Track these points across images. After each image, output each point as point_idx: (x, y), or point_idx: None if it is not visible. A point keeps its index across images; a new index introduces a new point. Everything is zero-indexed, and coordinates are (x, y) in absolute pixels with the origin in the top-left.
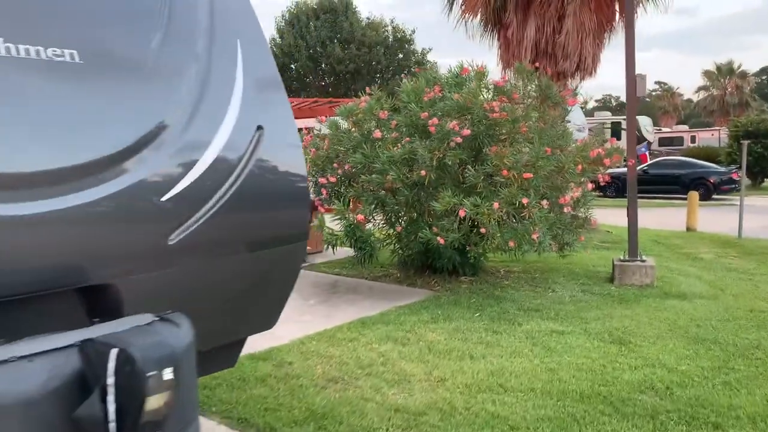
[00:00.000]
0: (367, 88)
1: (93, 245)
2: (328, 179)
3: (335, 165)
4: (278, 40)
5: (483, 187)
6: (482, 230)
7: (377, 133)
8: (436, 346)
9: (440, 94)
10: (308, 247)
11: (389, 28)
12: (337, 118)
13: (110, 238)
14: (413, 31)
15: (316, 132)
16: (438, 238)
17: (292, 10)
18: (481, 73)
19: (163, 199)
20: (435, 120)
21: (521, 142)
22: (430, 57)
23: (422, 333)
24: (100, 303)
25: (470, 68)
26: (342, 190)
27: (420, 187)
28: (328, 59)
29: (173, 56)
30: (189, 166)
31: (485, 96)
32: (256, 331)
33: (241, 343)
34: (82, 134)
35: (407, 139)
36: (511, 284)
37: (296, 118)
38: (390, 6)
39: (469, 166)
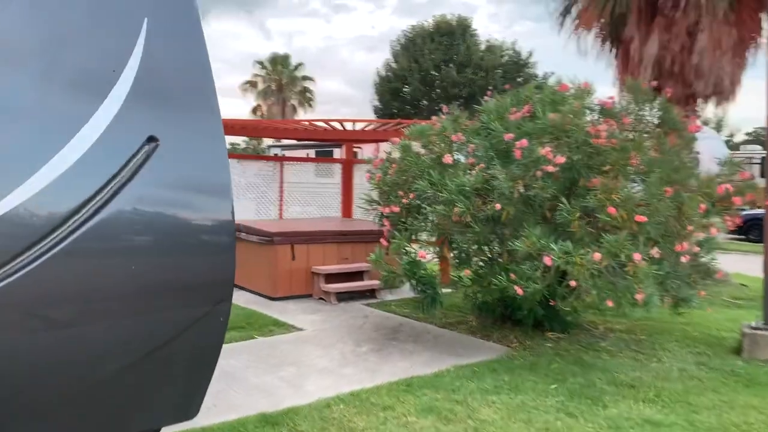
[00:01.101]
0: (444, 107)
1: None
2: (391, 209)
3: (400, 193)
4: (393, 64)
5: (579, 227)
6: (572, 283)
7: (447, 158)
8: (488, 428)
9: (528, 115)
10: (378, 282)
11: (509, 51)
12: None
13: None
14: (530, 54)
15: (386, 155)
16: (515, 287)
17: (408, 34)
18: (585, 91)
19: None
20: (523, 142)
21: (630, 174)
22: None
23: (475, 407)
24: None
25: (570, 85)
26: (408, 222)
27: (495, 222)
28: (442, 83)
29: (9, 30)
30: (3, 188)
31: (589, 119)
32: (164, 423)
33: None
34: None
35: (482, 165)
36: (607, 347)
37: (379, 140)
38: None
39: (563, 200)
